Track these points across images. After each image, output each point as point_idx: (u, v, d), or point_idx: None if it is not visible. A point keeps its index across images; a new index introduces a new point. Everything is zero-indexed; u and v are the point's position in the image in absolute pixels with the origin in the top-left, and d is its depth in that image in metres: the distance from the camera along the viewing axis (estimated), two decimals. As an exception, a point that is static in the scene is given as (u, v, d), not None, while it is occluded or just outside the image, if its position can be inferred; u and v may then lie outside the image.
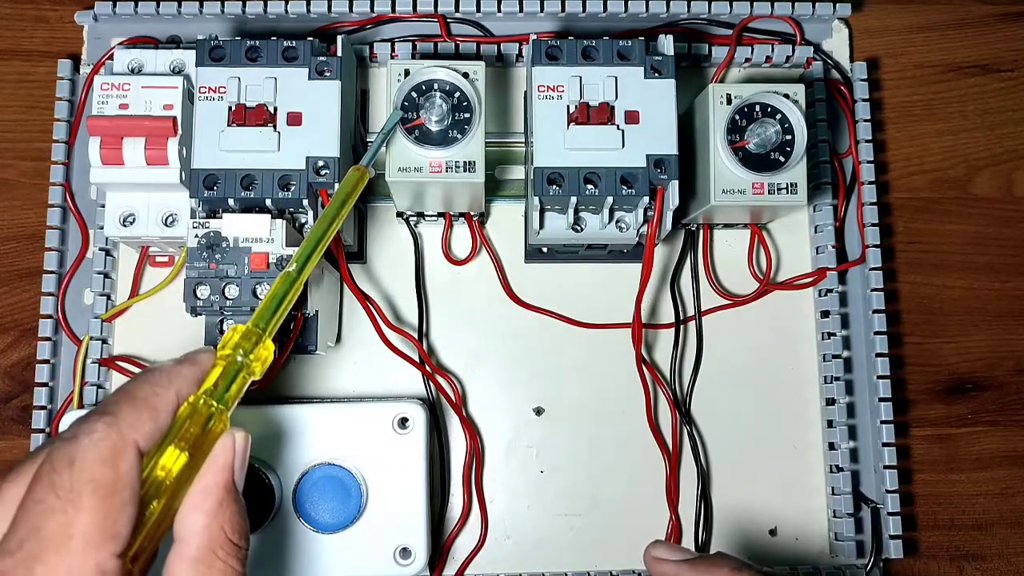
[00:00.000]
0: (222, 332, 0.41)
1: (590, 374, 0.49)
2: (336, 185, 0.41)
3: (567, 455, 0.49)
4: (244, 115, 0.41)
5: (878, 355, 0.48)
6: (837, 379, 0.48)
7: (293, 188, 0.41)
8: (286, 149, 0.41)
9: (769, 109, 0.43)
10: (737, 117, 0.43)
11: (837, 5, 0.51)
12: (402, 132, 0.40)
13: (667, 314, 0.50)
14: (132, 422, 0.26)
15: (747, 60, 0.51)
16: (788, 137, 0.42)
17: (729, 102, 0.43)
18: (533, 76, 0.42)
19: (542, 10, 0.50)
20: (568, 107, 0.42)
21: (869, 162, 0.50)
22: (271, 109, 0.42)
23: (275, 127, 0.41)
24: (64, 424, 0.43)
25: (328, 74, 0.42)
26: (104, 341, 0.47)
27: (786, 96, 0.42)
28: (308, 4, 0.49)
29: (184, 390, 0.28)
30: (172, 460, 0.27)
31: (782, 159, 0.42)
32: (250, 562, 0.38)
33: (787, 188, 0.42)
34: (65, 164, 0.49)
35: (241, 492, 0.29)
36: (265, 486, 0.41)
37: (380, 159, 0.39)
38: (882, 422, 0.48)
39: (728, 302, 0.50)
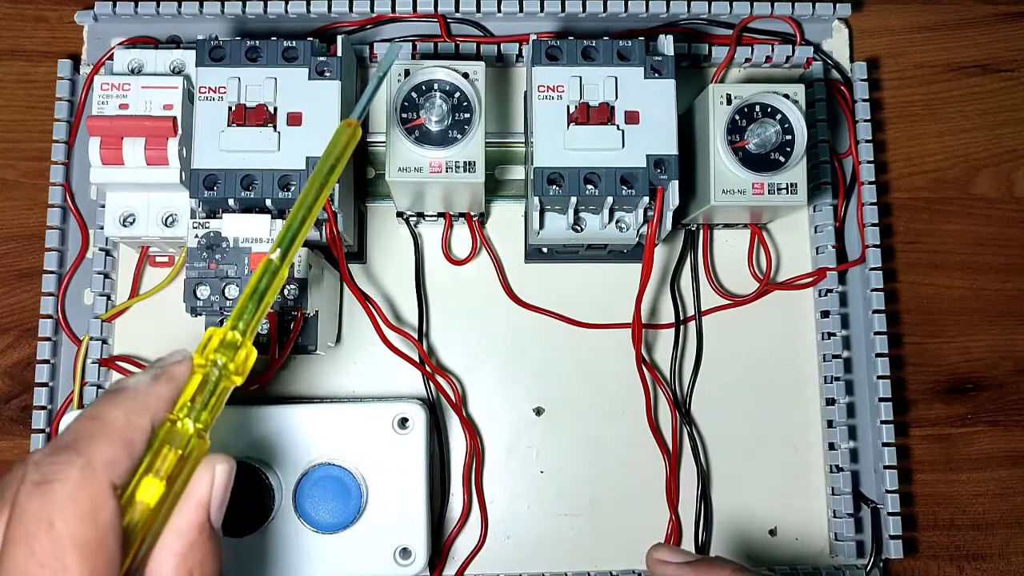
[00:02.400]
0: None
1: (590, 374, 0.49)
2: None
3: (567, 455, 0.49)
4: (244, 115, 0.41)
5: (878, 355, 0.48)
6: (837, 379, 0.48)
7: (293, 188, 0.41)
8: (286, 149, 0.41)
9: (769, 109, 0.43)
10: (737, 117, 0.43)
11: (837, 5, 0.51)
12: (402, 132, 0.40)
13: (667, 314, 0.50)
14: (108, 461, 0.24)
15: (747, 60, 0.51)
16: (788, 137, 0.42)
17: (729, 102, 0.43)
18: (533, 76, 0.42)
19: (542, 10, 0.50)
20: (568, 107, 0.42)
21: (869, 162, 0.50)
22: (271, 109, 0.42)
23: (275, 127, 0.41)
24: (64, 426, 0.43)
25: (328, 74, 0.42)
26: (104, 341, 0.47)
27: (786, 96, 0.42)
28: (308, 4, 0.49)
29: (160, 414, 0.26)
30: (148, 492, 0.25)
31: (782, 159, 0.42)
32: (251, 562, 0.38)
33: (787, 188, 0.42)
34: (65, 164, 0.49)
35: (219, 527, 0.27)
36: (265, 486, 0.41)
37: (372, 107, 0.36)
38: (882, 422, 0.48)
39: (728, 302, 0.50)
